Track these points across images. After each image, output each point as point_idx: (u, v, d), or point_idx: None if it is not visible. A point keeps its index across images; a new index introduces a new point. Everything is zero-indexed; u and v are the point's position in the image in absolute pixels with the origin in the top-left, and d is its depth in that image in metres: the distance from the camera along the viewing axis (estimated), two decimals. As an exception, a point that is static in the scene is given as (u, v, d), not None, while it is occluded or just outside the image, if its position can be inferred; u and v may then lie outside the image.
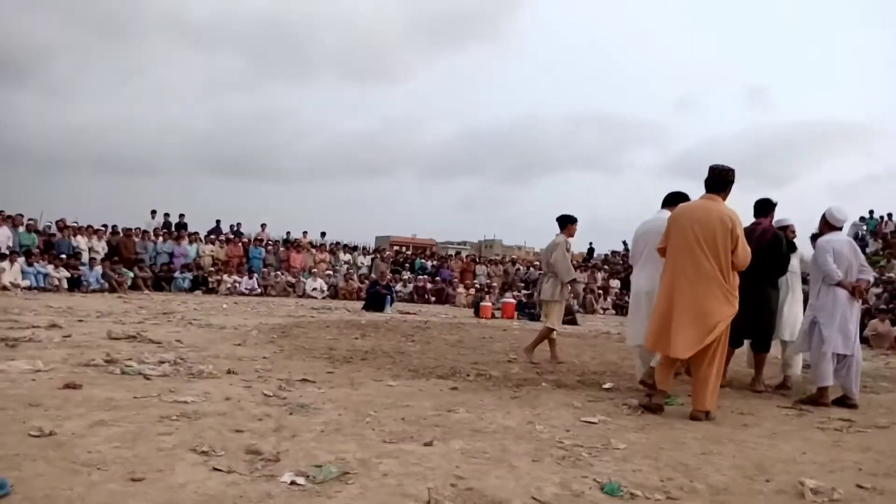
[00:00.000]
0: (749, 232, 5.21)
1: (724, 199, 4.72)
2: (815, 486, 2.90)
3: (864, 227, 23.47)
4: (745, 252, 4.51)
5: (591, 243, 27.96)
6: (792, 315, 6.16)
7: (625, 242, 27.16)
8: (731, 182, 4.73)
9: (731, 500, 2.77)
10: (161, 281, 16.82)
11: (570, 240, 7.25)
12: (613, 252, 26.86)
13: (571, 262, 7.34)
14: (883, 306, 13.84)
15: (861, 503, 2.83)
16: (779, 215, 6.14)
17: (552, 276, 7.12)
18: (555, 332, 7.22)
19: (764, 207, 5.86)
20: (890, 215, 23.72)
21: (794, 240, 6.30)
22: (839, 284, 5.29)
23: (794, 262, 6.14)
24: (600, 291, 20.70)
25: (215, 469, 2.77)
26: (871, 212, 23.99)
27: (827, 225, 5.60)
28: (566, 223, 7.25)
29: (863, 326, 9.28)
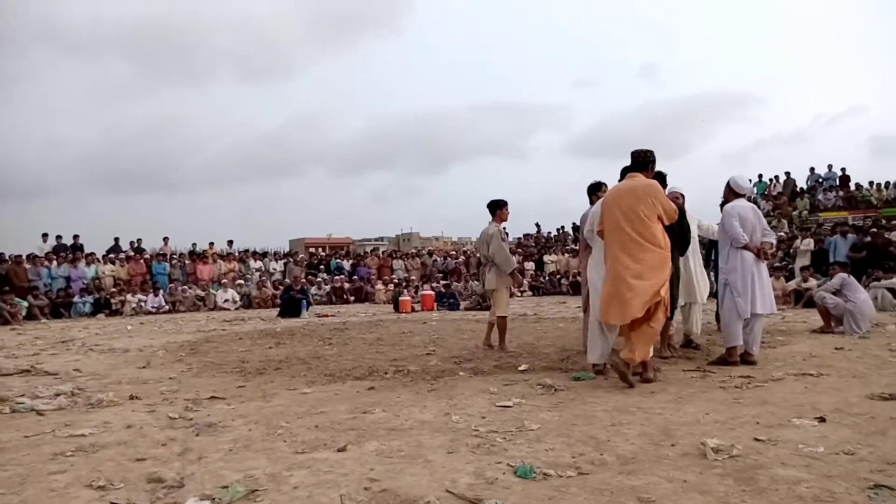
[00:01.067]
0: None
1: (648, 177, 5.12)
2: (715, 445, 3.03)
3: (754, 191, 24.86)
4: (670, 210, 4.98)
5: (504, 227, 28.30)
6: (687, 278, 6.45)
7: (537, 224, 27.77)
8: (651, 162, 5.19)
9: (639, 468, 2.85)
10: (59, 308, 15.90)
11: (502, 227, 7.19)
12: (526, 235, 27.35)
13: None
14: (777, 264, 14.75)
15: (758, 455, 2.97)
16: (675, 184, 6.40)
17: (493, 266, 7.09)
18: (493, 317, 7.23)
19: (657, 180, 6.06)
20: (777, 177, 25.24)
21: (684, 207, 6.58)
22: (745, 247, 5.61)
23: (693, 228, 6.43)
24: (516, 275, 21.02)
25: (112, 504, 2.61)
26: (760, 176, 25.43)
27: (732, 192, 5.93)
28: (496, 209, 7.19)
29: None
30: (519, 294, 19.85)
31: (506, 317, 7.15)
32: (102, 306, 16.14)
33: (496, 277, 7.08)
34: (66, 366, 6.80)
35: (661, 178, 6.05)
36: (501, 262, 7.00)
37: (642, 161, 5.17)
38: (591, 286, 5.56)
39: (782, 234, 17.75)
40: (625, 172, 5.61)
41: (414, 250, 27.29)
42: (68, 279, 16.79)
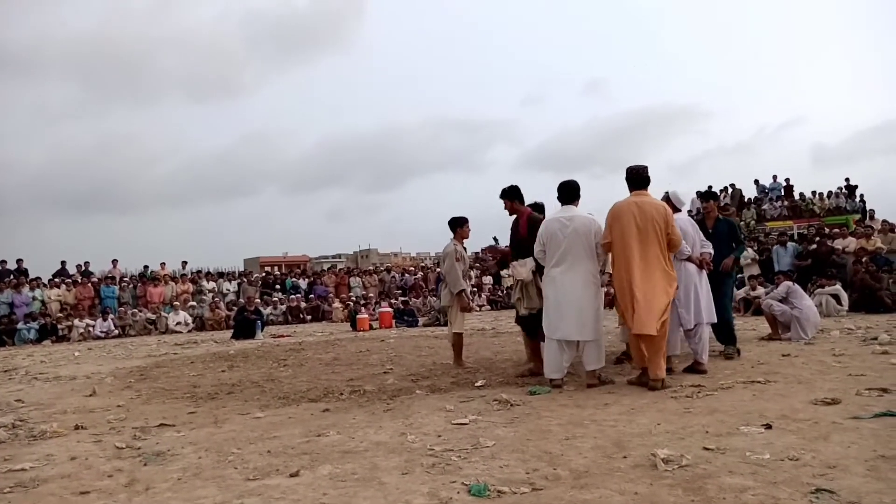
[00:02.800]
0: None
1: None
2: (666, 455, 3.08)
3: (697, 203, 25.40)
4: (677, 236, 5.26)
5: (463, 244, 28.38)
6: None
7: (495, 238, 27.90)
8: (649, 178, 5.39)
9: (591, 482, 2.88)
10: (2, 335, 15.30)
11: (458, 247, 7.13)
12: (484, 249, 27.47)
13: (467, 267, 7.26)
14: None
15: (707, 464, 3.03)
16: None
17: (447, 284, 7.11)
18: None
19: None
20: (727, 188, 25.88)
21: None
22: (688, 259, 5.76)
23: None
24: (474, 289, 21.09)
25: (52, 542, 2.51)
26: (710, 187, 26.00)
27: (672, 206, 6.06)
28: (455, 227, 7.20)
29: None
30: (477, 309, 19.91)
31: (461, 333, 7.16)
32: (49, 332, 15.57)
33: (450, 295, 7.09)
34: (8, 396, 6.56)
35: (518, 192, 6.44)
36: (451, 283, 7.03)
37: (643, 178, 5.36)
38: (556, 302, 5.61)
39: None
40: (568, 192, 5.64)
41: (372, 267, 27.20)
42: (11, 305, 16.20)
